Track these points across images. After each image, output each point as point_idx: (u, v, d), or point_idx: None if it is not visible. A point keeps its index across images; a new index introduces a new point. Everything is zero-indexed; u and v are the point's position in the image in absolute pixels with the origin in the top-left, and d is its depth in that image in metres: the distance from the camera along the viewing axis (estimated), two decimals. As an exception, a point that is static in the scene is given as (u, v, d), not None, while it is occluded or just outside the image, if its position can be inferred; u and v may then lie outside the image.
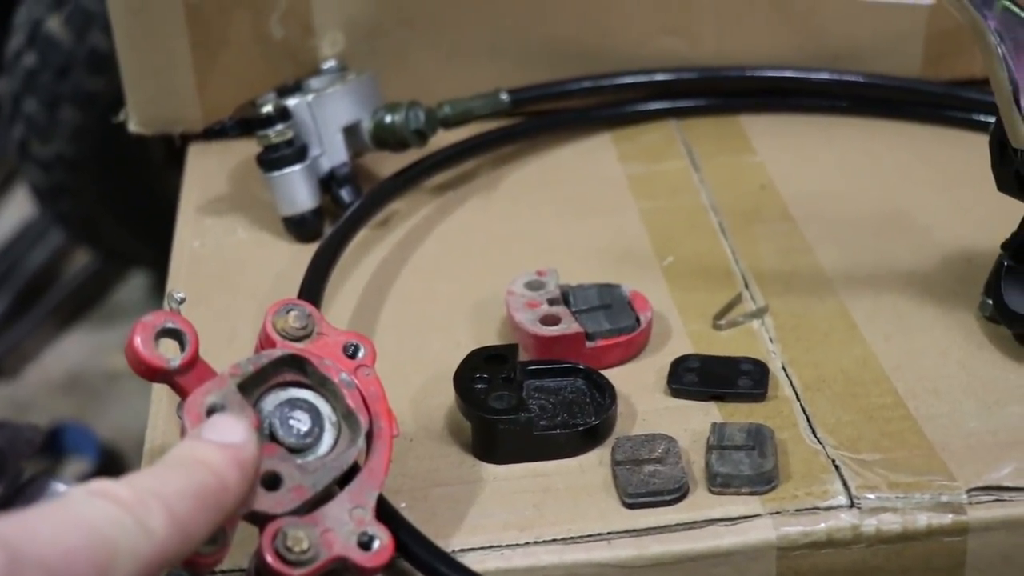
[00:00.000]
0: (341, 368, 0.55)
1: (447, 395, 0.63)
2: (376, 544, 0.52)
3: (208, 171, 0.86)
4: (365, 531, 0.52)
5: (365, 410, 0.55)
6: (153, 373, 0.53)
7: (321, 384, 0.55)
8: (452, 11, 0.85)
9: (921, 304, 0.69)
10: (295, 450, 0.53)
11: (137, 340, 0.52)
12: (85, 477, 1.54)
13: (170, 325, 0.53)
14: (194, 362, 0.53)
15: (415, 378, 0.66)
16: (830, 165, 0.83)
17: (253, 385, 0.53)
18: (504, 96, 0.83)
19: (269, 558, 0.49)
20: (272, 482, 0.51)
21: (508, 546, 0.56)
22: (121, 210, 1.32)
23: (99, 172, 1.25)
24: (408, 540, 0.54)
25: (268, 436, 0.53)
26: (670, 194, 0.81)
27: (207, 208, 0.82)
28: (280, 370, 0.54)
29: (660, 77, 0.87)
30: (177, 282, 0.75)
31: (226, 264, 0.77)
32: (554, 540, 0.56)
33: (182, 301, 0.56)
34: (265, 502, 0.51)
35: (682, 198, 0.80)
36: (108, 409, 1.47)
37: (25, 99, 1.21)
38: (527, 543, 0.56)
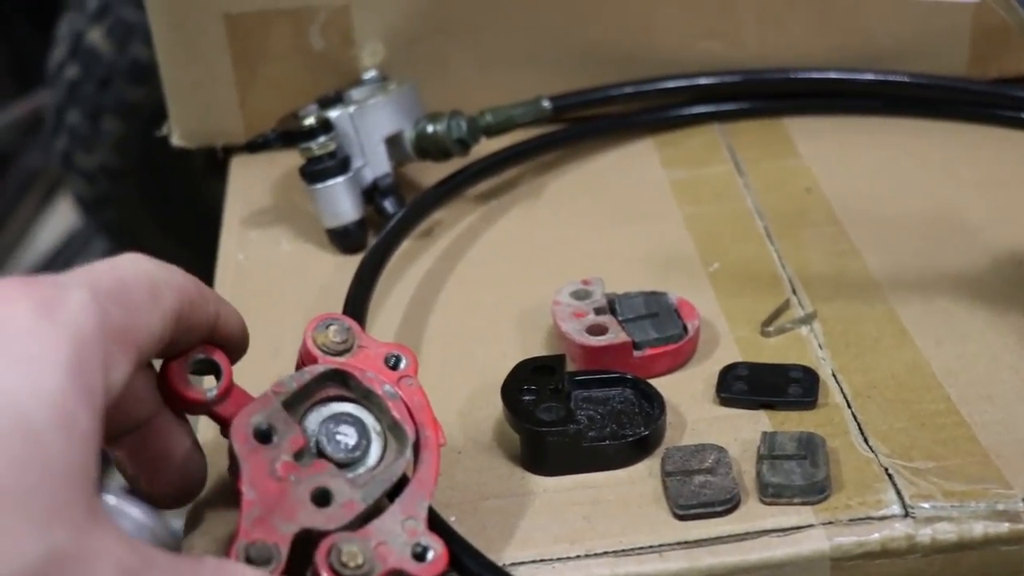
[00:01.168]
0: (384, 380, 0.55)
1: (495, 406, 0.63)
2: (431, 554, 0.51)
3: (251, 183, 0.86)
4: (419, 542, 0.51)
5: (411, 420, 0.55)
6: (191, 406, 0.53)
7: (365, 397, 0.55)
8: (492, 19, 0.85)
9: (972, 308, 0.69)
10: (343, 464, 0.53)
11: (170, 374, 0.53)
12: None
13: (201, 357, 0.54)
14: (230, 389, 0.53)
15: (462, 389, 0.66)
16: (876, 167, 0.82)
17: (297, 402, 0.54)
18: (546, 103, 0.83)
19: (325, 575, 0.49)
20: (323, 498, 0.51)
21: (559, 559, 0.55)
22: (164, 219, 1.33)
23: (142, 182, 1.26)
24: (461, 554, 0.54)
25: (316, 452, 0.53)
26: (714, 199, 0.80)
27: (251, 221, 0.82)
28: (323, 385, 0.55)
29: (702, 81, 0.86)
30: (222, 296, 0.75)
31: (271, 277, 0.77)
32: (605, 553, 0.55)
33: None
34: (317, 519, 0.51)
35: (727, 203, 0.80)
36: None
37: (68, 111, 1.23)
38: (578, 556, 0.55)
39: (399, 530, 0.52)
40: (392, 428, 0.54)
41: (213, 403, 0.53)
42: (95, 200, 1.29)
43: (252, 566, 0.49)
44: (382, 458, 0.54)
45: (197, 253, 0.88)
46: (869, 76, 0.85)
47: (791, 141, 0.85)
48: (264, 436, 0.52)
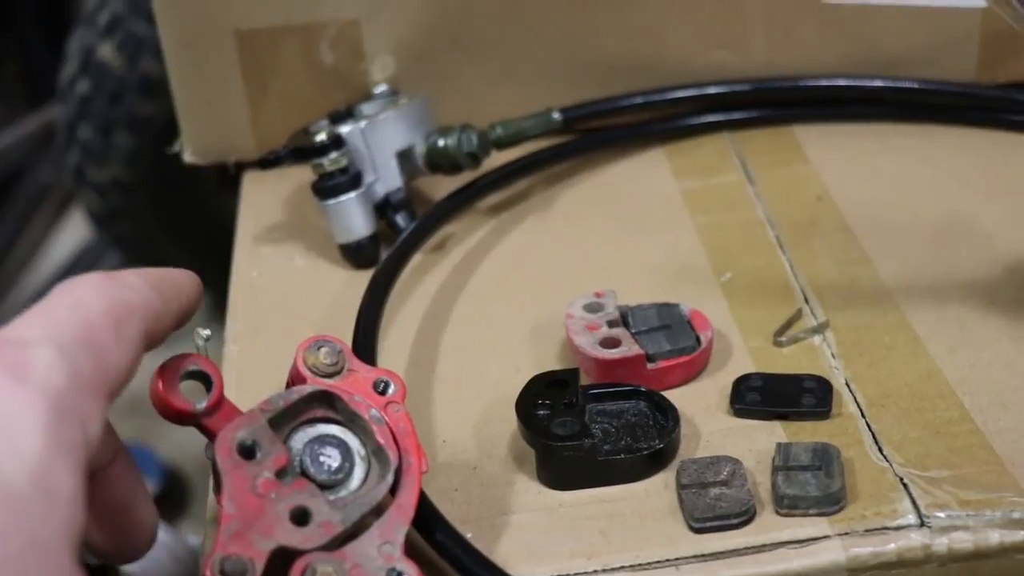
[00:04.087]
0: (371, 404, 0.56)
1: (509, 421, 0.63)
2: None
3: (263, 199, 0.86)
4: (393, 567, 0.52)
5: (395, 446, 0.55)
6: (180, 416, 0.53)
7: (351, 420, 0.56)
8: (501, 31, 0.85)
9: (985, 315, 0.69)
10: (326, 486, 0.54)
11: (161, 385, 0.53)
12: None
13: (193, 368, 0.54)
14: (220, 403, 0.54)
15: (476, 404, 0.66)
16: (887, 174, 0.82)
17: (284, 421, 0.54)
18: (556, 115, 0.83)
19: None
20: (301, 517, 0.52)
21: (576, 575, 0.56)
22: (177, 232, 1.33)
23: (154, 195, 1.26)
24: (480, 570, 0.54)
25: (299, 472, 0.54)
26: (726, 208, 0.80)
27: (264, 237, 0.82)
28: (311, 406, 0.55)
29: (712, 90, 0.86)
30: (236, 313, 0.75)
31: (284, 293, 0.77)
32: (622, 567, 0.56)
33: (207, 339, 0.57)
34: (294, 537, 0.51)
35: (738, 212, 0.80)
36: (170, 431, 1.47)
37: (80, 125, 1.23)
38: (595, 571, 0.56)
39: (375, 554, 0.52)
40: (376, 452, 0.55)
41: (202, 415, 0.54)
42: (107, 214, 1.30)
43: None
44: (365, 481, 0.55)
45: (211, 265, 0.88)
46: (878, 83, 0.85)
47: (801, 149, 0.85)
48: (248, 452, 0.52)
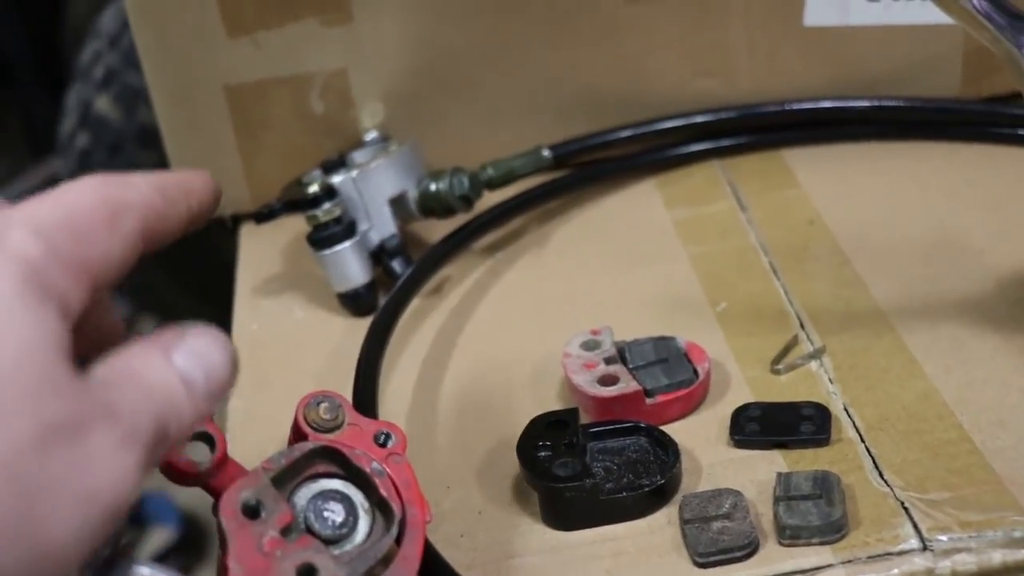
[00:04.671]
0: (373, 457, 0.56)
1: (512, 463, 0.63)
2: None
3: (261, 251, 0.87)
4: None
5: (397, 498, 0.56)
6: (184, 477, 0.54)
7: (353, 474, 0.56)
8: (486, 72, 0.86)
9: (980, 332, 0.69)
10: (331, 541, 0.54)
11: None
12: (167, 547, 1.56)
13: (196, 428, 0.54)
14: (223, 462, 0.54)
15: (479, 448, 0.67)
16: (876, 193, 0.83)
17: (286, 478, 0.55)
18: (546, 152, 0.84)
19: None
20: (308, 574, 0.52)
21: (583, 616, 0.56)
22: (183, 277, 1.34)
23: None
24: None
25: (304, 528, 0.54)
26: (719, 237, 0.81)
27: (262, 289, 0.83)
28: (313, 462, 0.56)
29: (699, 119, 0.87)
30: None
31: (285, 345, 0.78)
32: (628, 606, 0.56)
33: None
34: None
35: (731, 240, 0.80)
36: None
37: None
38: (602, 612, 0.56)
39: None
40: (380, 505, 0.55)
41: (206, 475, 0.54)
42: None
43: None
44: (369, 535, 0.55)
45: (221, 308, 0.89)
46: (863, 103, 0.85)
47: (791, 172, 0.86)
48: (252, 512, 0.53)
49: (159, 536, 1.61)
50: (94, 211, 0.48)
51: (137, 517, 1.61)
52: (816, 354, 0.69)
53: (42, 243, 0.45)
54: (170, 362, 0.46)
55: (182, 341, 0.47)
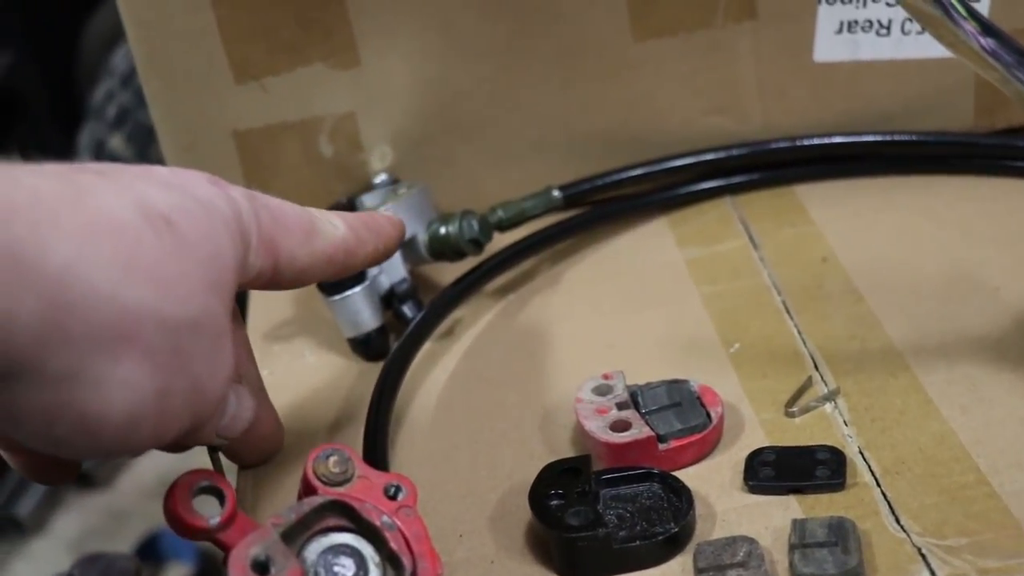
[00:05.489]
0: (383, 510, 0.56)
1: (525, 511, 0.63)
2: None
3: (272, 296, 0.86)
4: None
5: (408, 552, 0.55)
6: (195, 533, 0.54)
7: (364, 528, 0.56)
8: (494, 113, 0.86)
9: (996, 371, 0.68)
10: None
11: (175, 503, 0.54)
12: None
13: (205, 484, 0.55)
14: (233, 517, 0.54)
15: (491, 496, 0.66)
16: (890, 229, 0.82)
17: (296, 533, 0.55)
18: (556, 193, 0.83)
19: None
20: None
21: (597, 669, 0.56)
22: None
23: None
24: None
25: None
26: (731, 276, 0.80)
27: (273, 335, 0.83)
28: (323, 516, 0.56)
29: (710, 156, 0.86)
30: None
31: (297, 391, 0.77)
32: (643, 659, 0.56)
33: (222, 447, 0.57)
34: None
35: (743, 279, 0.80)
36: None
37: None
38: (616, 664, 0.56)
39: None
40: (390, 559, 0.55)
41: (216, 530, 0.54)
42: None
43: None
44: None
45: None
46: (875, 137, 0.85)
47: (803, 208, 0.85)
48: (262, 568, 0.52)
49: (177, 572, 1.61)
50: (297, 217, 0.58)
51: (155, 553, 1.62)
52: (831, 396, 0.69)
53: (251, 205, 0.55)
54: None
55: (238, 387, 0.60)
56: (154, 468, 1.77)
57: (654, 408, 0.67)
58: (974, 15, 0.59)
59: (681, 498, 0.62)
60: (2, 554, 1.70)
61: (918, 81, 0.86)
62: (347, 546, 0.55)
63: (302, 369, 0.80)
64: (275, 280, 0.58)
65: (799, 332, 0.74)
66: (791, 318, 0.76)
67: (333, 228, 0.60)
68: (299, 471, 0.63)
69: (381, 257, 0.64)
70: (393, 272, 0.79)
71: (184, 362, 0.51)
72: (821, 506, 0.62)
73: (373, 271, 0.78)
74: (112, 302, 0.48)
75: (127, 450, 0.51)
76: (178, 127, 0.85)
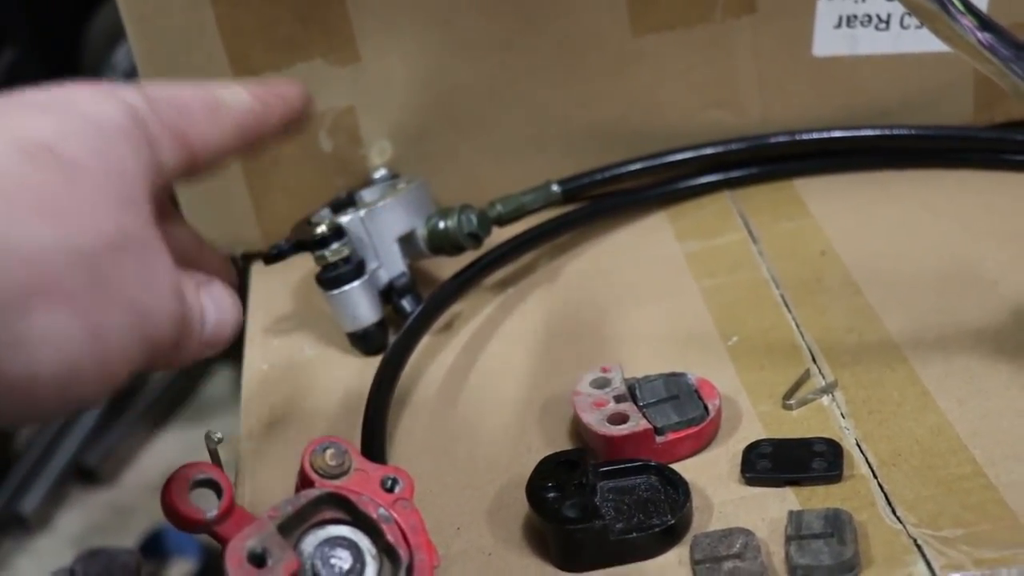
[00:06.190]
0: (379, 503, 0.56)
1: (523, 503, 0.63)
2: None
3: (271, 290, 0.87)
4: None
5: (405, 544, 0.55)
6: (192, 525, 0.54)
7: (360, 520, 0.56)
8: (495, 108, 0.86)
9: (993, 363, 0.68)
10: None
11: (172, 495, 0.54)
12: (189, 581, 1.56)
13: (202, 476, 0.55)
14: (230, 510, 0.54)
15: (489, 488, 0.66)
16: (889, 223, 0.82)
17: (293, 525, 0.55)
18: (555, 187, 0.84)
19: None
20: None
21: (594, 660, 0.56)
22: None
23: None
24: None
25: (311, 575, 0.54)
26: (730, 270, 0.80)
27: (273, 329, 0.83)
28: (319, 509, 0.56)
29: (709, 150, 0.86)
30: (250, 409, 0.76)
31: (296, 385, 0.78)
32: (639, 650, 0.56)
33: (220, 441, 0.58)
34: None
35: (742, 273, 0.80)
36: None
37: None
38: (613, 655, 0.56)
39: None
40: (387, 551, 0.55)
41: (213, 523, 0.54)
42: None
43: None
44: None
45: (232, 347, 0.89)
46: (874, 132, 0.85)
47: (803, 203, 0.85)
48: (258, 560, 0.53)
49: (180, 567, 1.61)
50: (196, 99, 0.53)
51: (160, 549, 1.62)
52: (828, 388, 0.69)
53: (147, 102, 0.50)
54: (198, 295, 0.52)
55: (211, 286, 0.54)
56: (158, 464, 1.78)
57: (652, 401, 0.67)
58: (972, 10, 0.59)
59: (678, 490, 0.62)
60: (6, 551, 1.70)
61: (917, 75, 0.86)
62: (344, 538, 0.55)
63: (301, 363, 0.80)
64: (194, 168, 0.53)
65: (797, 325, 0.74)
66: (789, 311, 0.76)
67: (235, 96, 0.55)
68: (296, 464, 0.64)
69: (292, 125, 0.58)
70: (392, 266, 0.79)
71: (112, 292, 0.46)
72: (818, 498, 0.62)
73: (371, 265, 0.78)
74: (6, 254, 0.43)
75: (75, 404, 0.47)
76: (178, 122, 0.85)
